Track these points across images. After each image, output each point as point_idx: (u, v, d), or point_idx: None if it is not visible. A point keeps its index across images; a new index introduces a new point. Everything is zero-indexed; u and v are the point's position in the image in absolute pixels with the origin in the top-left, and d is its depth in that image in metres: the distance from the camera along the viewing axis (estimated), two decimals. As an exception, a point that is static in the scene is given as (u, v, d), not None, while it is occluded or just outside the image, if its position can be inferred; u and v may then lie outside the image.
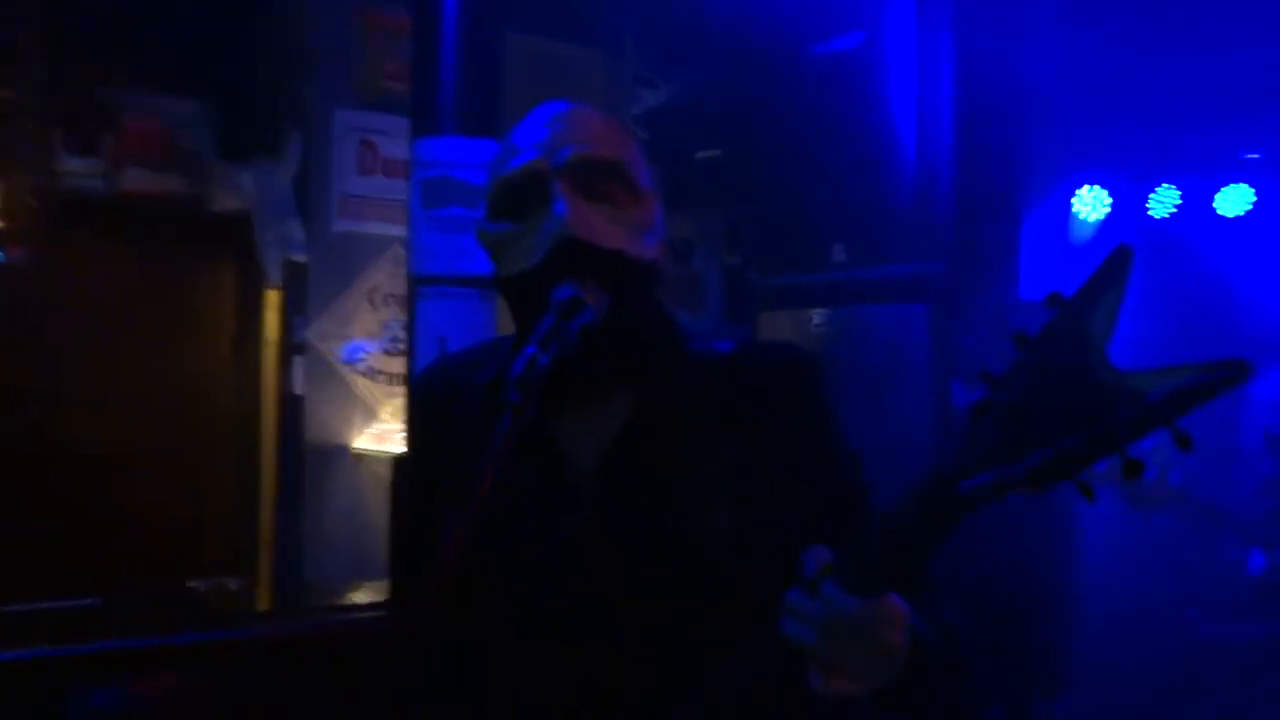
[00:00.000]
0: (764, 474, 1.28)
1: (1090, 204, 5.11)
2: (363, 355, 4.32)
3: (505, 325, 1.40)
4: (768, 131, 3.75)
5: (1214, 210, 5.08)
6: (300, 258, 4.18)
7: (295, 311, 4.25)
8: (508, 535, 1.30)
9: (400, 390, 4.26)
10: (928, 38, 3.15)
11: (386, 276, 4.35)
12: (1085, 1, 3.73)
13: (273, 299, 4.33)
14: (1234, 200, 5.06)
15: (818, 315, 3.41)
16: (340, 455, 4.24)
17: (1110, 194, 5.13)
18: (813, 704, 1.16)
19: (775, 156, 3.70)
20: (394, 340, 4.31)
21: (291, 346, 4.27)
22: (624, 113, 4.51)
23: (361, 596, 3.44)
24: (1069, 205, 5.11)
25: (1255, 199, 5.02)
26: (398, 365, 4.28)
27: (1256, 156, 5.12)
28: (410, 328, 3.20)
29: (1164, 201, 5.15)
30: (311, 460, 4.20)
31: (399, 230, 4.01)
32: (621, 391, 1.31)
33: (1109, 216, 5.13)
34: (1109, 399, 0.88)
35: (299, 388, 4.24)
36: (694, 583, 1.26)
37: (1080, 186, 5.10)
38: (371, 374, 4.35)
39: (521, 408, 1.11)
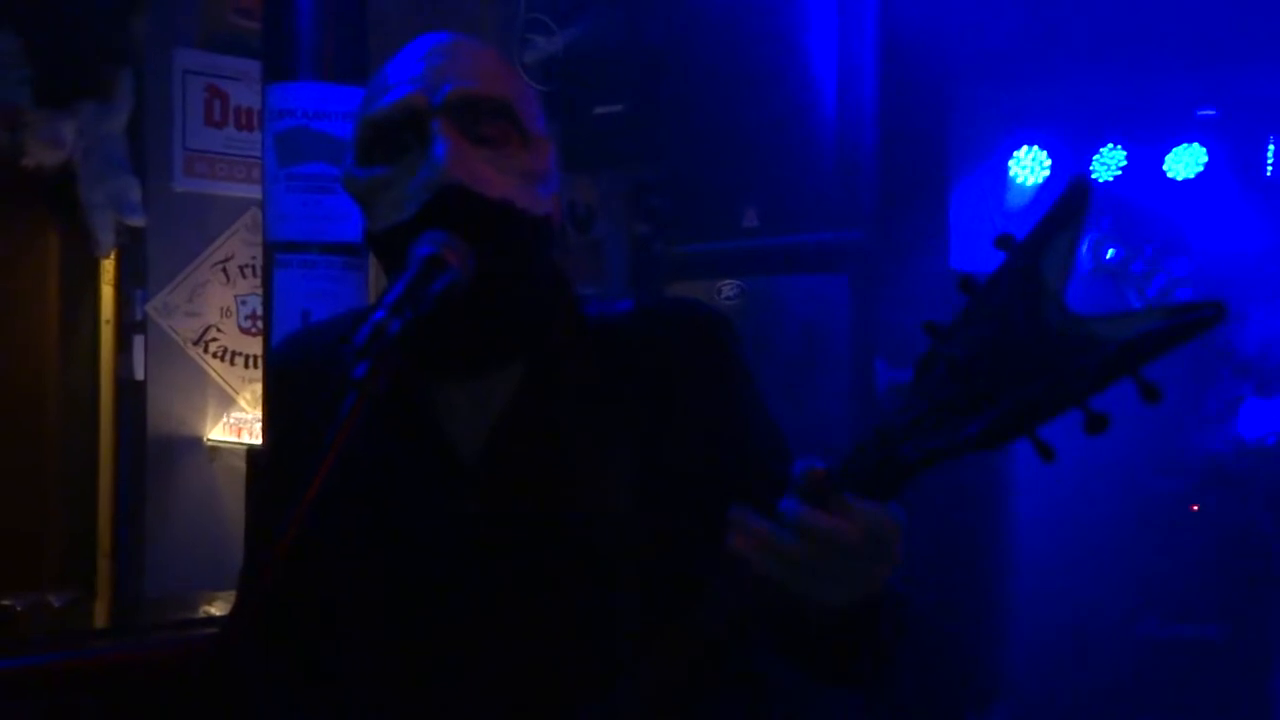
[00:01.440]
0: (672, 445, 1.28)
1: (1028, 167, 5.24)
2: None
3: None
4: (674, 84, 3.76)
5: (1164, 173, 5.24)
6: (138, 221, 4.08)
7: (133, 284, 4.16)
8: (382, 531, 1.28)
9: (259, 374, 4.20)
10: (850, -20, 3.20)
11: (242, 244, 4.27)
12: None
13: (106, 270, 4.23)
14: (1185, 162, 5.23)
15: (729, 286, 3.44)
16: (190, 448, 4.16)
17: (1050, 156, 5.26)
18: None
19: (683, 112, 3.72)
20: (251, 317, 4.25)
21: (130, 325, 4.18)
22: (514, 61, 4.49)
23: (216, 609, 3.39)
24: (1005, 169, 5.23)
25: (1207, 160, 5.19)
26: (256, 345, 4.22)
27: (1211, 114, 5.29)
28: (268, 302, 3.15)
29: (1109, 164, 5.29)
30: (156, 455, 4.12)
31: (255, 191, 3.94)
32: (509, 363, 1.28)
33: (1048, 180, 5.25)
34: (1067, 347, 0.89)
35: (140, 372, 4.15)
36: (597, 573, 1.25)
37: (1018, 148, 5.22)
38: (226, 356, 4.27)
39: (367, 383, 1.08)
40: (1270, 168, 5.24)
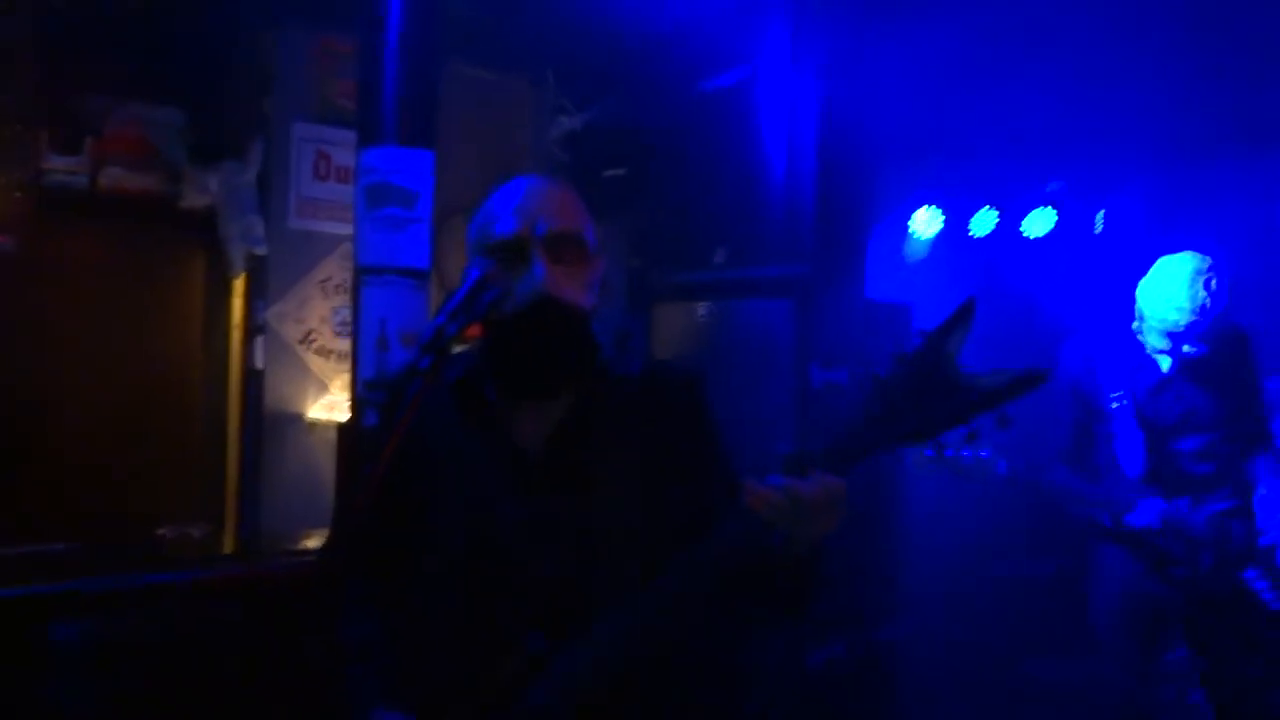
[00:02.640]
0: (668, 462, 1.39)
1: (925, 222, 5.18)
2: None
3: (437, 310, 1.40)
4: (664, 153, 3.72)
5: (1021, 232, 5.18)
6: (261, 250, 4.01)
7: (257, 297, 4.08)
8: (468, 502, 1.37)
9: (347, 367, 4.12)
10: (799, 77, 3.14)
11: (337, 268, 4.19)
12: (928, 56, 3.76)
13: (238, 286, 4.16)
14: (1039, 222, 5.18)
15: (702, 308, 3.39)
16: (295, 421, 4.09)
17: (943, 213, 5.20)
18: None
19: (670, 175, 3.67)
20: (343, 324, 4.17)
21: (253, 328, 4.10)
22: (545, 136, 4.42)
23: (311, 542, 3.33)
24: (907, 222, 5.17)
25: (1056, 221, 5.14)
26: (345, 345, 4.14)
27: (1058, 185, 5.24)
28: (355, 311, 3.08)
29: (984, 222, 5.23)
30: (270, 426, 4.04)
31: (348, 229, 3.88)
32: (560, 395, 1.40)
33: (941, 232, 5.19)
34: (958, 390, 1.12)
35: (260, 363, 4.07)
36: (616, 537, 1.34)
37: (918, 207, 5.16)
38: (324, 353, 4.20)
39: (426, 371, 1.12)
40: (1100, 228, 5.19)
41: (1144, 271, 2.84)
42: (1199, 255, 2.69)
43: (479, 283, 1.21)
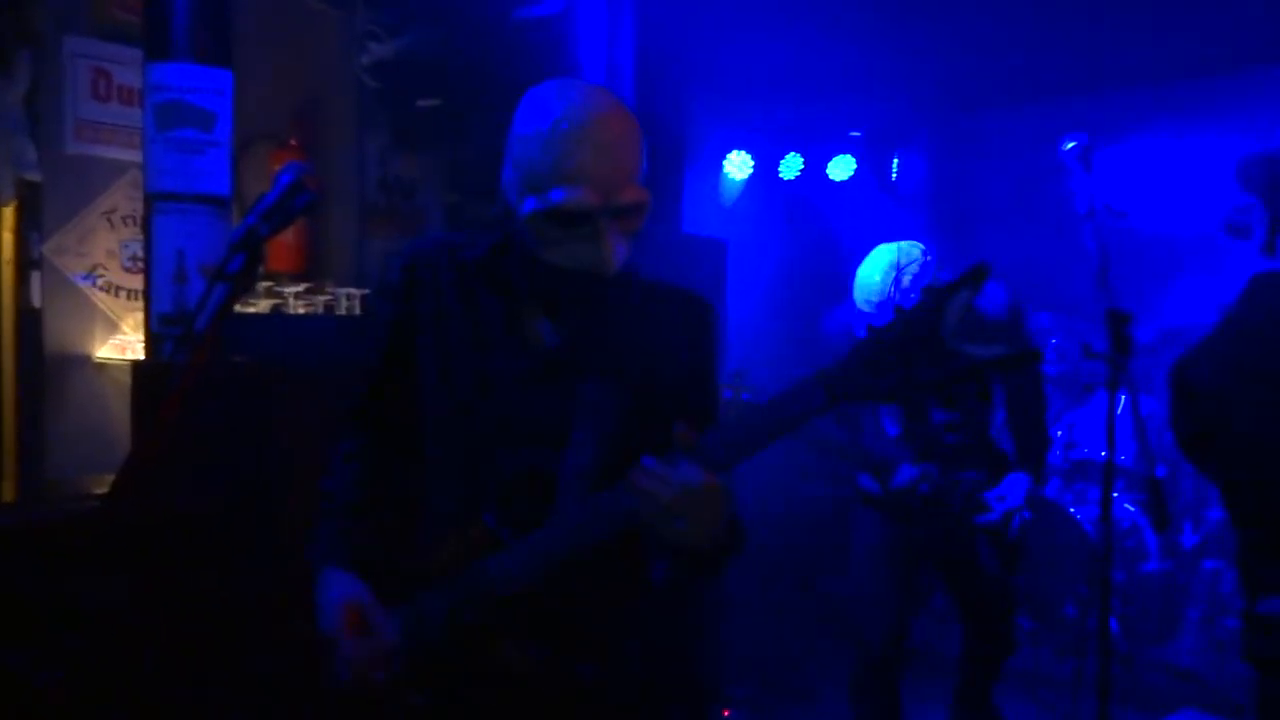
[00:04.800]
0: (663, 378, 1.40)
1: (738, 165, 5.35)
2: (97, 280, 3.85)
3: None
4: (479, 84, 3.64)
5: (827, 175, 5.45)
6: (34, 177, 3.64)
7: (30, 229, 3.71)
8: (458, 373, 1.39)
9: (140, 304, 3.84)
10: (615, 12, 3.14)
11: (124, 199, 3.88)
12: (740, 3, 3.85)
13: (7, 216, 3.76)
14: (841, 168, 5.46)
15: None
16: (81, 364, 3.78)
17: (753, 157, 5.39)
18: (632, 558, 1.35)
19: (485, 106, 3.60)
20: (133, 259, 3.87)
21: (27, 262, 3.73)
22: (354, 63, 4.23)
23: (101, 489, 3.11)
24: (720, 164, 5.32)
25: (856, 167, 5.43)
26: (137, 281, 3.85)
27: (858, 134, 5.53)
28: (148, 242, 2.87)
29: (791, 166, 5.46)
30: (52, 369, 3.72)
31: (135, 155, 3.59)
32: (576, 300, 1.38)
33: (752, 175, 5.38)
34: (947, 355, 1.08)
35: (36, 301, 3.72)
36: (591, 450, 1.35)
37: (731, 150, 5.32)
38: (112, 289, 3.89)
39: (241, 275, 1.08)
40: (895, 175, 5.53)
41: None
42: (905, 248, 2.80)
43: (294, 186, 1.16)
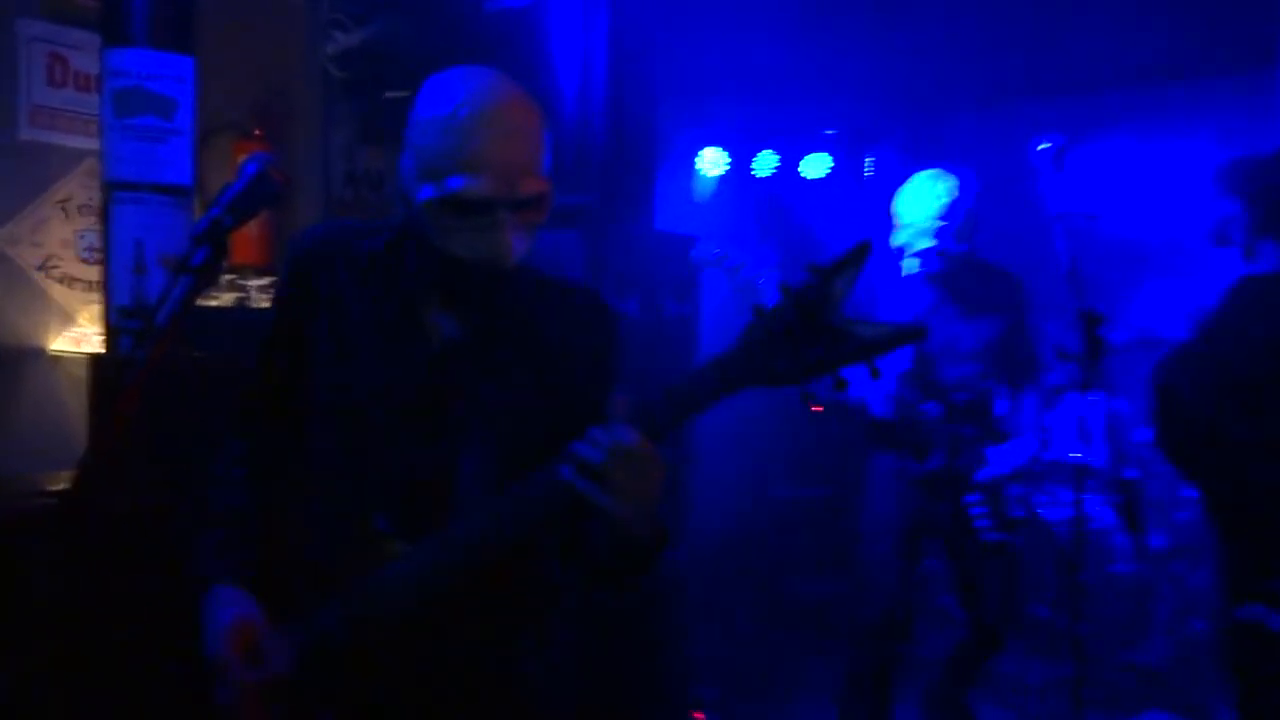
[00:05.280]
0: (563, 382, 1.38)
1: (712, 162, 5.36)
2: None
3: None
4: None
5: (800, 173, 5.48)
6: (-16, 164, 3.57)
7: (-19, 218, 3.64)
8: (351, 369, 1.34)
9: (97, 296, 3.77)
10: (589, 6, 3.13)
11: (80, 187, 3.80)
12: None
13: (-44, 205, 3.68)
14: (816, 166, 5.48)
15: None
16: (34, 357, 3.71)
17: (729, 154, 5.40)
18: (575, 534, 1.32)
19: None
20: (90, 249, 3.80)
21: (-22, 252, 3.65)
22: (320, 53, 4.18)
23: (55, 486, 3.05)
24: (693, 160, 5.32)
25: (833, 165, 5.46)
26: (94, 273, 3.79)
27: (833, 133, 5.56)
28: (106, 232, 2.82)
29: (765, 164, 5.49)
30: (4, 362, 3.64)
31: (92, 144, 3.52)
32: (479, 296, 1.36)
33: (726, 173, 5.39)
34: (836, 336, 1.09)
35: (-12, 292, 3.64)
36: (487, 452, 1.33)
37: (703, 146, 5.33)
38: (67, 280, 3.81)
39: (204, 268, 1.09)
40: (869, 173, 5.57)
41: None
42: (946, 172, 2.99)
43: (258, 177, 1.14)
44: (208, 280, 1.03)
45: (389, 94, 3.99)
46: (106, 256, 2.89)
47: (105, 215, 2.81)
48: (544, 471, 1.22)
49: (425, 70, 4.08)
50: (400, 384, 1.35)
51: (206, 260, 1.01)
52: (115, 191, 2.76)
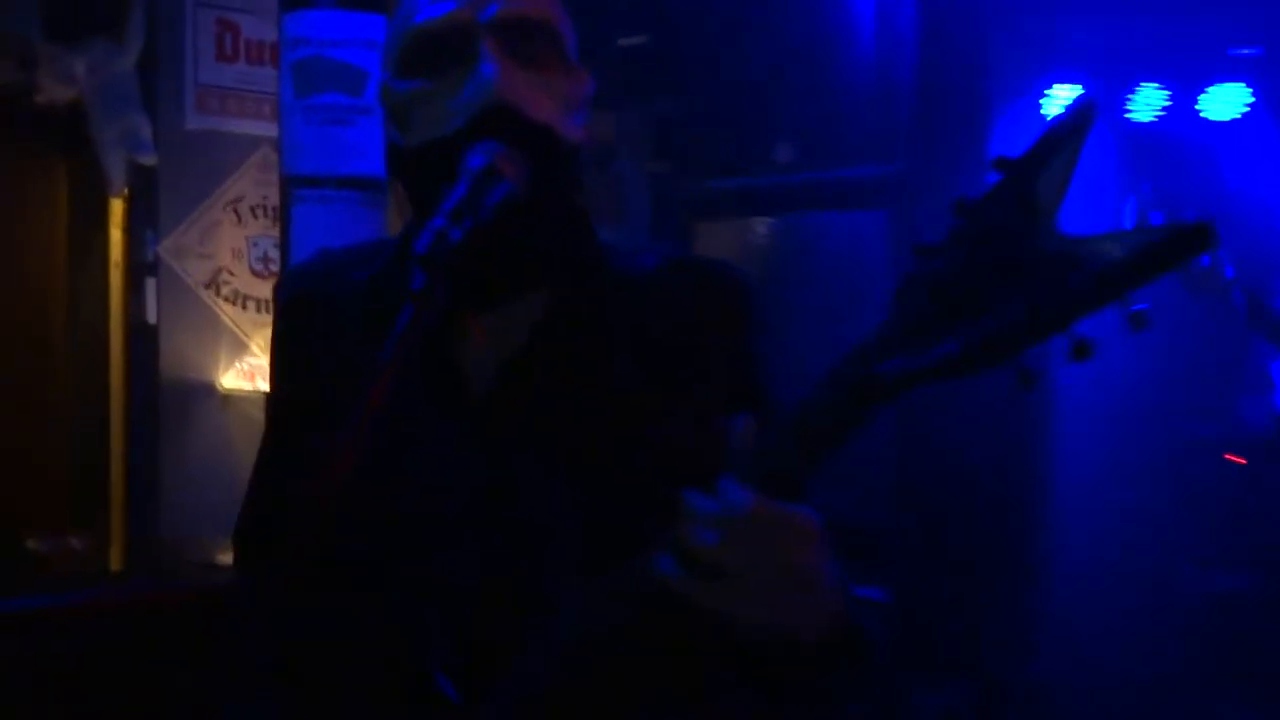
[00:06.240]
0: (676, 407, 1.26)
1: (1064, 105, 5.16)
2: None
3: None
4: (700, 13, 3.70)
5: (1200, 113, 5.16)
6: (149, 160, 4.04)
7: (144, 224, 4.12)
8: (390, 464, 1.23)
9: (271, 318, 4.17)
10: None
11: (253, 184, 4.22)
12: None
13: (115, 212, 4.19)
14: (1224, 101, 5.14)
15: (761, 224, 3.40)
16: (203, 394, 4.14)
17: (1093, 92, 5.18)
18: (701, 640, 1.12)
19: (709, 43, 3.66)
20: (264, 259, 4.21)
21: (141, 266, 4.14)
22: None
23: (228, 555, 3.38)
24: (1039, 102, 5.14)
25: (1252, 100, 5.10)
26: (268, 289, 4.18)
27: (1250, 53, 5.20)
28: (284, 239, 3.10)
29: (1147, 103, 5.21)
30: (168, 400, 4.09)
31: (266, 128, 3.90)
32: (527, 296, 1.27)
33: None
34: (1056, 267, 0.87)
35: (151, 316, 4.12)
36: (594, 514, 1.23)
37: (1053, 84, 5.14)
38: (239, 299, 4.24)
39: (427, 295, 1.05)
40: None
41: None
42: None
43: (484, 172, 1.11)
44: (433, 312, 1.07)
45: (623, 40, 4.15)
46: (284, 267, 3.18)
47: (284, 218, 3.09)
48: (631, 571, 1.10)
49: (669, 8, 4.21)
50: (438, 478, 1.27)
51: (429, 288, 1.06)
52: (294, 189, 3.03)
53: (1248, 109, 5.09)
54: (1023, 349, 0.89)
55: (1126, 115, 5.20)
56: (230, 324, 4.22)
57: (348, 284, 1.33)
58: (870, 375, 0.94)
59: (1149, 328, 0.88)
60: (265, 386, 4.01)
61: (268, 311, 4.20)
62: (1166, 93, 5.16)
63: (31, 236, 4.21)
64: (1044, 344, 0.88)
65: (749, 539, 1.00)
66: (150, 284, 4.12)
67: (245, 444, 4.06)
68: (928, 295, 0.92)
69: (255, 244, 4.24)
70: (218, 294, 4.20)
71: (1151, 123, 5.17)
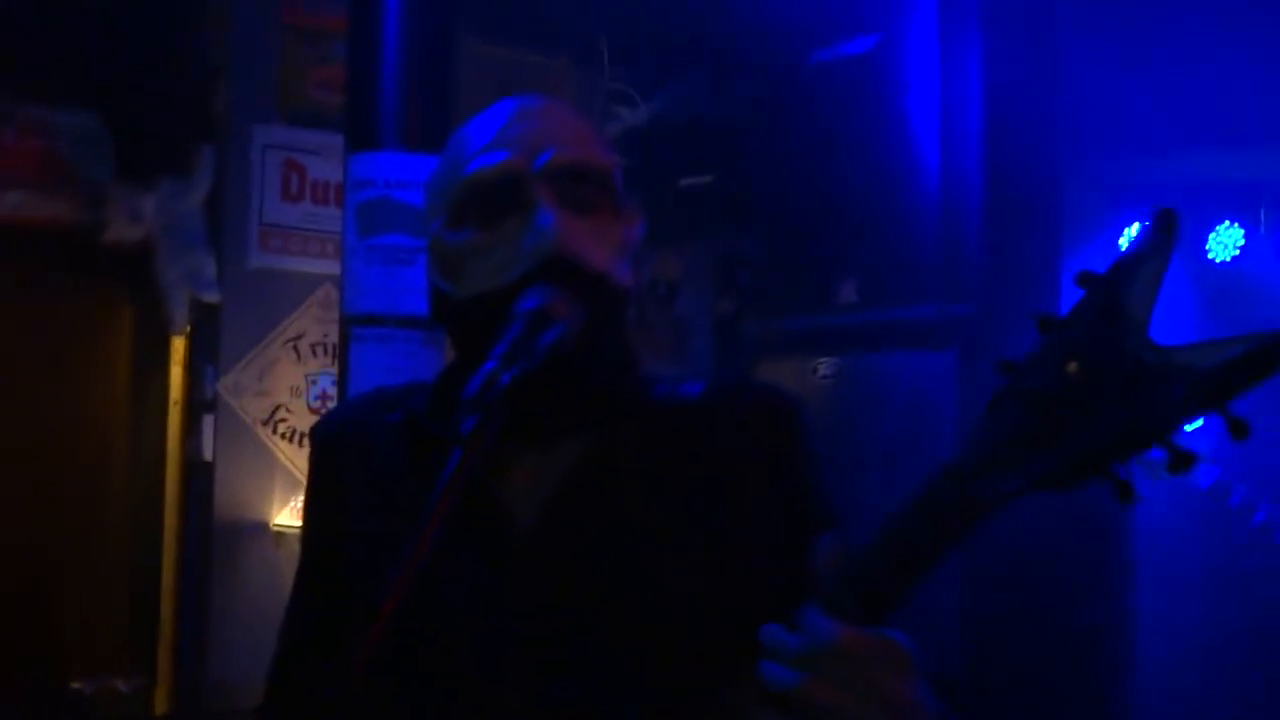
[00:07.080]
0: (732, 536, 1.26)
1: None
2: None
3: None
4: (765, 153, 3.75)
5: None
6: (211, 298, 4.15)
7: (205, 362, 4.21)
8: (420, 602, 1.18)
9: (329, 456, 4.22)
10: (953, 40, 3.17)
11: (314, 321, 4.31)
12: (1139, 4, 3.78)
13: (178, 347, 4.29)
14: (1305, 239, 5.10)
15: (825, 365, 3.39)
16: (256, 533, 4.17)
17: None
18: None
19: (773, 181, 3.70)
20: (323, 397, 4.27)
21: (200, 404, 4.22)
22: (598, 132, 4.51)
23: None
24: (1116, 239, 5.13)
25: (1332, 236, 5.05)
26: (326, 427, 4.24)
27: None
28: (342, 377, 3.15)
29: (1226, 242, 5.18)
30: (221, 539, 4.13)
31: (329, 267, 3.99)
32: (571, 435, 1.28)
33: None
34: (1151, 378, 0.86)
35: (208, 453, 4.18)
36: (652, 658, 1.22)
37: (1132, 221, 5.13)
38: (295, 437, 4.29)
39: (477, 438, 1.07)
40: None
41: None
42: None
43: (537, 314, 1.14)
44: (482, 454, 1.09)
45: (685, 180, 4.22)
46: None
47: (343, 356, 3.15)
48: (709, 709, 1.11)
49: (733, 147, 4.28)
50: (479, 620, 1.25)
51: (478, 431, 1.08)
52: (354, 327, 3.09)
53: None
54: (1124, 459, 0.89)
55: (1206, 254, 5.17)
56: (285, 461, 4.27)
57: (381, 426, 1.34)
58: (968, 494, 0.93)
59: (1249, 437, 0.86)
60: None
61: (324, 450, 4.26)
62: (1242, 231, 5.13)
63: (95, 372, 4.31)
64: (1144, 454, 0.88)
65: (840, 672, 0.97)
66: (207, 420, 4.19)
67: (297, 585, 4.07)
68: (1022, 411, 0.93)
69: (314, 381, 4.31)
70: (274, 431, 4.26)
71: (1229, 261, 5.14)
